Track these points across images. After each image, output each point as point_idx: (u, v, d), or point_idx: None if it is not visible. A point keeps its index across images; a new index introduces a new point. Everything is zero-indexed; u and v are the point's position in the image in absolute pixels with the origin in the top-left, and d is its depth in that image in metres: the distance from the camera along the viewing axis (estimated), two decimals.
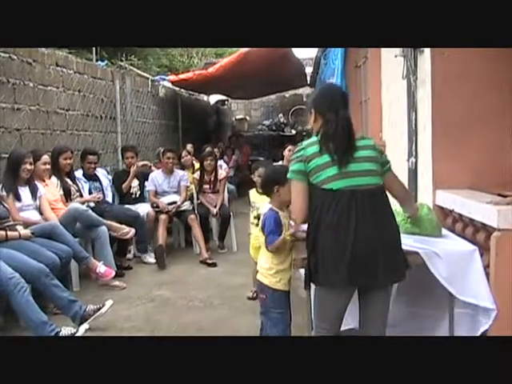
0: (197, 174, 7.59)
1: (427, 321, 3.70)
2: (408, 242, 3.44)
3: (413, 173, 4.81)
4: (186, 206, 7.34)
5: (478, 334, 3.23)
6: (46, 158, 5.75)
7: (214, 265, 6.64)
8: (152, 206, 7.20)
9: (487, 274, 3.24)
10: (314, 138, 2.99)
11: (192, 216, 7.12)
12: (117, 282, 5.66)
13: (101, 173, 7.08)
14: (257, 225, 4.29)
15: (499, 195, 3.40)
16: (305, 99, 15.80)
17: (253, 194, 4.93)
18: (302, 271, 3.82)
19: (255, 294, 4.87)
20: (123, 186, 7.22)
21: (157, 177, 7.40)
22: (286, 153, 7.98)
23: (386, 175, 3.04)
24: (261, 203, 4.30)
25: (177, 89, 11.56)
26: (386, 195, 3.00)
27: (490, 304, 3.18)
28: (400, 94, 5.09)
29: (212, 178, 7.50)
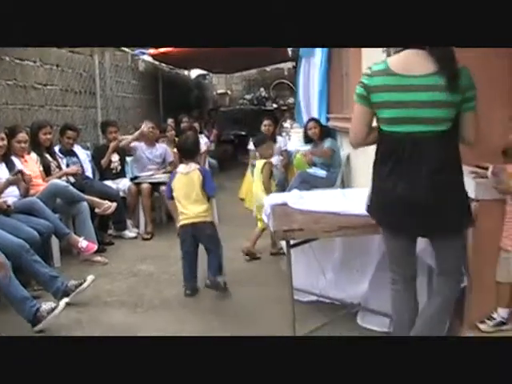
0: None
1: None
2: None
3: None
4: (164, 177, 7.17)
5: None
6: (22, 136, 5.63)
7: None
8: (131, 180, 7.19)
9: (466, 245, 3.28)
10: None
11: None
12: (99, 258, 5.66)
13: (78, 148, 7.01)
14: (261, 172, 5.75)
15: (477, 166, 3.43)
16: (286, 73, 15.71)
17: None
18: (283, 243, 3.87)
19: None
20: (102, 161, 7.17)
21: (139, 146, 7.36)
22: (263, 128, 8.03)
23: None
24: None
25: (157, 63, 11.44)
26: None
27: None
28: None
29: None
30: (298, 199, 4.14)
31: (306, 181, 6.90)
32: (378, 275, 4.01)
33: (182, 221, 4.78)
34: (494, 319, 3.24)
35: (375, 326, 3.91)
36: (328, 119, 8.42)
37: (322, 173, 7.10)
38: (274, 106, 16.14)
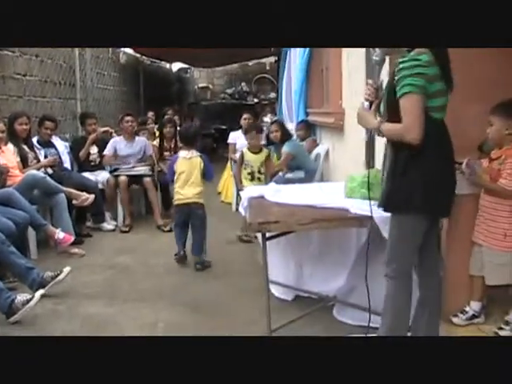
0: (157, 142, 7.54)
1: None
2: (363, 207, 3.51)
3: (370, 139, 4.85)
4: (144, 170, 7.18)
5: None
6: None
7: (170, 231, 6.62)
8: (110, 172, 7.15)
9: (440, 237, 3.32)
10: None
11: (148, 179, 7.02)
12: (76, 250, 5.62)
13: (56, 139, 6.97)
14: (251, 180, 6.15)
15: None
16: (268, 68, 15.73)
17: (246, 153, 6.24)
18: (259, 235, 3.88)
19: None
20: (80, 153, 7.10)
21: (118, 142, 7.28)
22: (242, 121, 8.05)
23: None
24: (254, 162, 6.18)
25: (138, 55, 11.39)
26: None
27: None
28: (360, 62, 5.09)
29: (172, 145, 7.49)
30: (275, 192, 4.16)
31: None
32: (355, 269, 4.03)
33: (177, 201, 5.38)
34: (467, 312, 3.29)
35: (351, 319, 3.93)
36: (307, 114, 8.44)
37: (300, 174, 6.99)
38: (255, 100, 16.15)
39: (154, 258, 5.64)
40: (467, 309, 3.30)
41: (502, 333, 3.10)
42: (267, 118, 10.61)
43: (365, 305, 3.77)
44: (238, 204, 7.73)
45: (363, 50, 4.79)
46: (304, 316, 3.92)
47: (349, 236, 4.26)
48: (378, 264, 3.80)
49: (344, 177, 5.43)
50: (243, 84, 16.69)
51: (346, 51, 6.05)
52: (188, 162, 5.36)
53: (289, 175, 6.79)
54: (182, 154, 5.46)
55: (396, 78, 2.69)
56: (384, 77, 3.25)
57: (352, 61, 5.71)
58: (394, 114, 2.74)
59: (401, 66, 2.66)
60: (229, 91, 16.90)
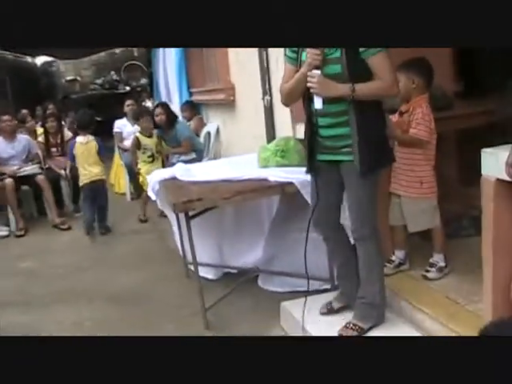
0: (42, 138, 7.17)
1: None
2: (280, 174, 3.56)
3: (269, 110, 4.93)
4: (33, 169, 6.79)
5: None
6: None
7: (68, 229, 6.45)
8: None
9: None
10: None
11: (41, 177, 6.65)
12: None
13: None
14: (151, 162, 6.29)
15: None
16: (136, 54, 15.39)
17: (141, 137, 6.33)
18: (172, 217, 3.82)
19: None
20: None
21: None
22: (126, 108, 7.90)
23: None
24: (151, 145, 6.34)
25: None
26: None
27: None
28: None
29: (58, 140, 7.16)
30: (186, 171, 4.11)
31: None
32: (271, 238, 4.10)
33: (83, 180, 6.10)
34: (393, 261, 3.45)
35: (279, 287, 3.99)
36: (191, 94, 8.34)
37: (191, 155, 6.89)
38: (127, 88, 15.73)
39: (59, 258, 5.40)
40: (393, 258, 3.45)
41: (429, 275, 3.29)
42: (149, 103, 10.38)
43: (287, 271, 3.89)
44: (132, 193, 7.61)
45: None
46: (232, 291, 3.93)
47: (260, 207, 4.32)
48: (290, 231, 3.91)
49: (241, 151, 5.50)
50: (112, 73, 16.20)
51: None
52: (85, 147, 6.04)
53: (182, 157, 6.72)
54: (79, 139, 6.10)
55: None
56: None
57: None
58: (357, 76, 2.70)
59: None
60: (98, 81, 16.34)
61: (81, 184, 6.18)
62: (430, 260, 3.33)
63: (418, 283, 3.30)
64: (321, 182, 2.98)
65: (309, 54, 2.71)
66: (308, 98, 2.86)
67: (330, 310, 3.22)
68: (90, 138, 6.09)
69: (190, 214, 3.56)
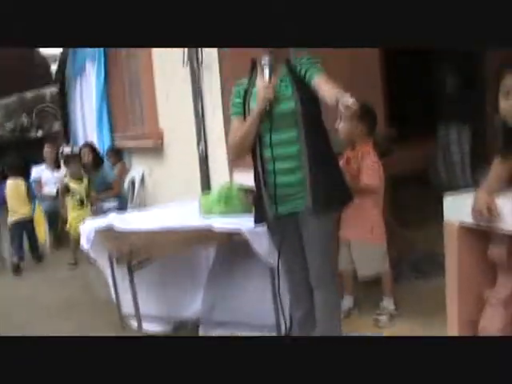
0: None
1: (251, 294, 3.73)
2: (227, 221, 3.47)
3: (203, 158, 4.85)
4: None
5: None
6: None
7: None
8: None
9: None
10: None
11: None
12: None
13: None
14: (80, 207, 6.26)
15: None
16: (49, 98, 14.98)
17: (71, 182, 6.30)
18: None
19: None
20: None
21: None
22: (46, 154, 7.91)
23: None
24: (80, 189, 6.29)
25: None
26: None
27: None
28: (181, 82, 5.03)
29: None
30: (123, 221, 3.96)
31: None
32: (210, 288, 3.99)
33: (15, 218, 6.66)
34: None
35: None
36: (113, 138, 8.13)
37: (113, 203, 6.68)
38: (40, 132, 15.21)
39: None
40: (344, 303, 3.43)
41: (380, 324, 3.29)
42: (68, 148, 10.03)
43: (228, 320, 3.78)
44: (53, 241, 7.33)
45: (186, 68, 4.73)
46: None
47: (198, 257, 4.21)
48: (235, 278, 3.83)
49: (170, 199, 5.38)
50: (23, 116, 15.65)
51: (157, 71, 5.97)
52: (15, 188, 6.67)
53: (106, 205, 6.51)
54: (10, 180, 6.71)
55: (303, 66, 2.66)
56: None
57: (166, 80, 5.66)
58: (311, 111, 2.68)
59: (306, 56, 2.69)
60: (9, 125, 15.72)
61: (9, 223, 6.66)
62: (380, 304, 3.34)
63: (370, 329, 3.29)
64: (283, 241, 2.82)
65: (261, 89, 2.67)
66: (259, 144, 2.77)
67: None
68: (20, 181, 6.71)
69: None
